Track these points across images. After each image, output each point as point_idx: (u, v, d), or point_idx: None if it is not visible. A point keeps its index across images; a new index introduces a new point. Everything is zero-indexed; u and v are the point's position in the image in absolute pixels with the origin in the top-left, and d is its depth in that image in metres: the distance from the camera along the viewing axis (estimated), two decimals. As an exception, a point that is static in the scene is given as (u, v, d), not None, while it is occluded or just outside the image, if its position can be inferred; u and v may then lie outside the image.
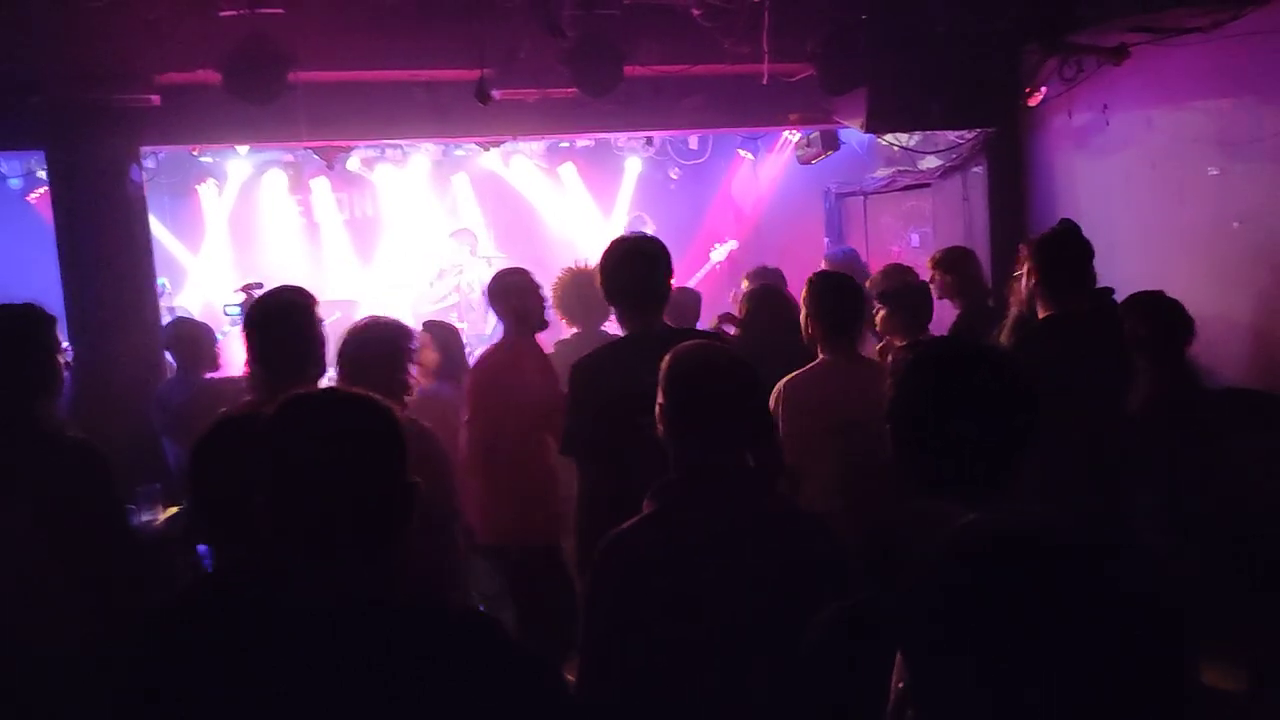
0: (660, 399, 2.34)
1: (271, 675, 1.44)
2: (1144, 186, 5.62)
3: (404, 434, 1.57)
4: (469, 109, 5.50)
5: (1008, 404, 1.75)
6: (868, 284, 5.37)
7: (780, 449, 3.32)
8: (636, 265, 3.36)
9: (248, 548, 1.90)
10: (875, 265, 6.66)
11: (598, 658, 2.29)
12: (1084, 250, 3.96)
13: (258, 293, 6.06)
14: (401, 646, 1.46)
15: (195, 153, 7.81)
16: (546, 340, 4.76)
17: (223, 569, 2.07)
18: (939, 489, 1.74)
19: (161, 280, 6.94)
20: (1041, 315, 3.90)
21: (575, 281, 4.85)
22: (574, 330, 4.97)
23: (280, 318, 3.19)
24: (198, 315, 7.76)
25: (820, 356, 3.81)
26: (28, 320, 2.94)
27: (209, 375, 5.45)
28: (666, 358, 2.36)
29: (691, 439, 2.30)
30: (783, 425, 3.63)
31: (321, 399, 1.59)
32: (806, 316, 3.84)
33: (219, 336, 6.11)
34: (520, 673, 1.55)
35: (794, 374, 3.77)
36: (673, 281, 3.45)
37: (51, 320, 3.01)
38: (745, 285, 5.56)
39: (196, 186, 8.73)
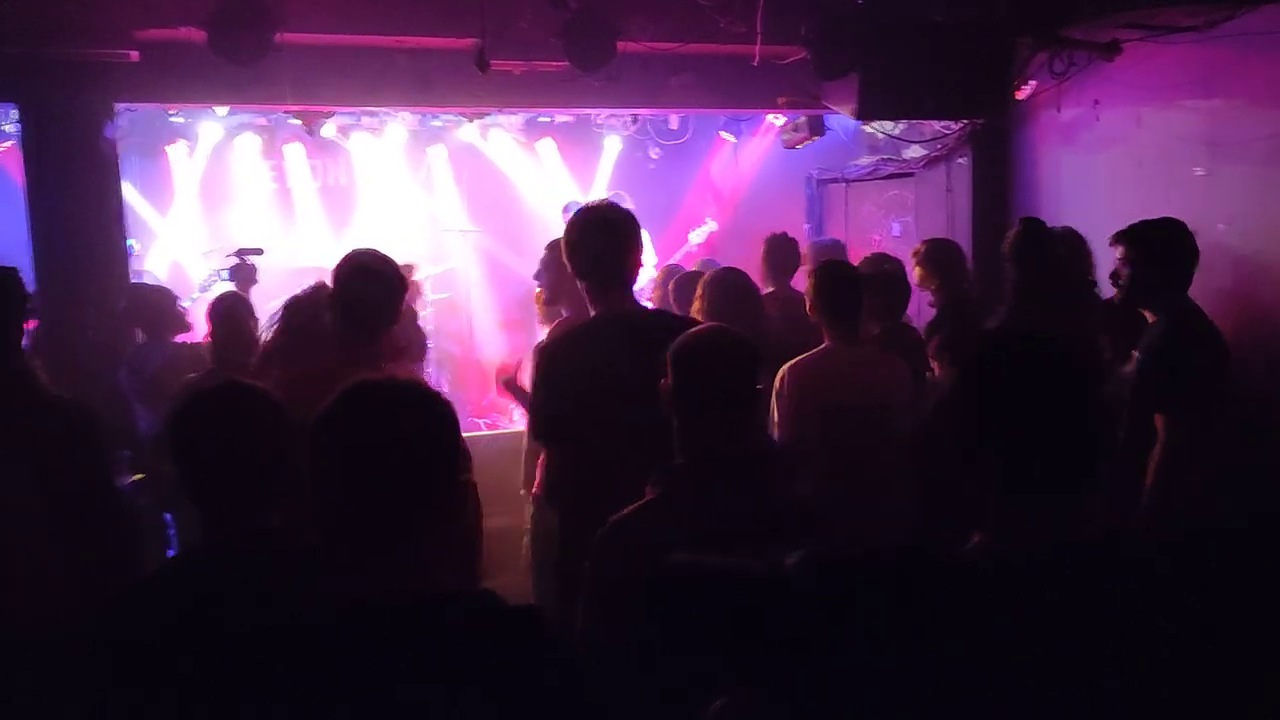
0: (670, 380, 2.30)
1: (320, 670, 1.39)
2: (1130, 184, 5.64)
3: (459, 430, 1.54)
4: (455, 78, 5.42)
5: (1078, 404, 1.65)
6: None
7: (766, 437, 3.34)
8: (601, 238, 3.17)
9: (245, 519, 1.86)
10: (855, 253, 6.65)
11: (595, 644, 2.25)
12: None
13: (251, 259, 5.94)
14: (453, 641, 1.43)
15: (170, 111, 7.61)
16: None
17: (219, 540, 2.00)
18: (1019, 489, 1.66)
19: (131, 241, 6.77)
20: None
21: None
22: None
23: (366, 277, 3.17)
24: (165, 278, 7.63)
25: (825, 343, 3.89)
26: (4, 276, 2.86)
27: (180, 339, 5.35)
28: (680, 340, 2.33)
29: (702, 424, 2.26)
30: (789, 409, 3.69)
31: (387, 392, 1.55)
32: (811, 304, 3.93)
33: (186, 304, 5.98)
34: (565, 671, 1.52)
35: (800, 358, 3.83)
36: (642, 258, 3.29)
37: (14, 271, 2.93)
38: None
39: (166, 147, 8.49)
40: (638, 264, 3.24)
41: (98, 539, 2.75)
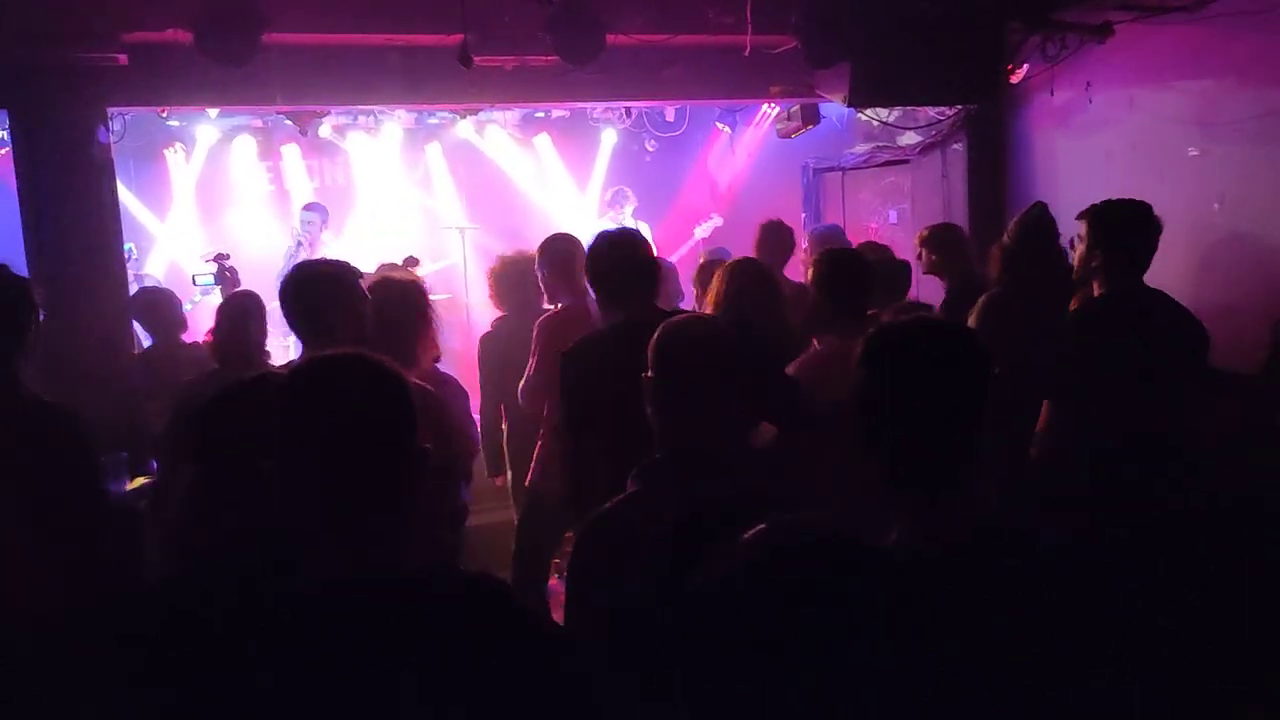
0: (651, 373, 2.29)
1: (289, 654, 1.39)
2: (1124, 166, 5.62)
3: (414, 399, 1.53)
4: (446, 75, 5.39)
5: (964, 397, 1.67)
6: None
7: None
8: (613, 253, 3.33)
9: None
10: (853, 241, 6.63)
11: (579, 638, 2.26)
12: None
13: (227, 263, 6.01)
14: (420, 619, 1.42)
15: (164, 115, 7.62)
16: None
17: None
18: (894, 486, 1.70)
19: (128, 246, 6.80)
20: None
21: (516, 268, 4.83)
22: (502, 314, 4.99)
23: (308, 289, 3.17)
24: (164, 282, 7.64)
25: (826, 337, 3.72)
26: (11, 281, 2.87)
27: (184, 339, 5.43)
28: (660, 331, 2.31)
29: (682, 416, 2.25)
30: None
31: (332, 364, 1.55)
32: (813, 296, 3.79)
33: (188, 306, 6.02)
34: (538, 644, 1.52)
35: (806, 355, 3.67)
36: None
37: (29, 282, 2.94)
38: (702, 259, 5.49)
39: (163, 151, 8.51)
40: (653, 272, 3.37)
41: (88, 541, 2.75)
